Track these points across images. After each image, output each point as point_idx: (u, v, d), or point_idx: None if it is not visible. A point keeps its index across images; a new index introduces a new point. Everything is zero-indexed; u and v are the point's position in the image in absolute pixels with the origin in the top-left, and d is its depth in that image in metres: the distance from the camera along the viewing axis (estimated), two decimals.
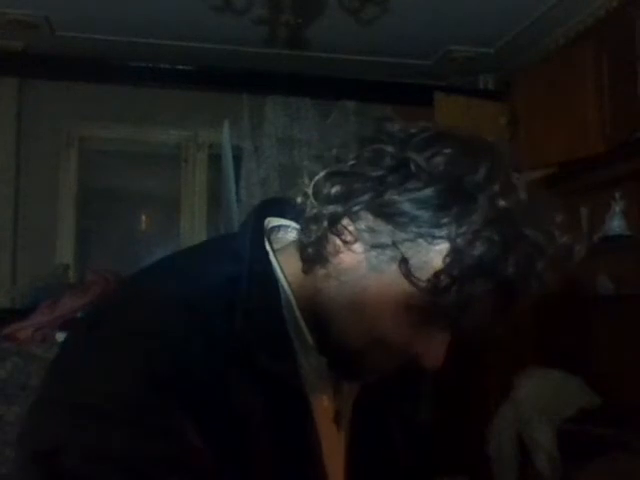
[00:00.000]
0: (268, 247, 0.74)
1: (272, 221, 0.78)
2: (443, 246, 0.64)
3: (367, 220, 0.65)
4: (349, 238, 0.67)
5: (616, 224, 2.74)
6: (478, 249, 0.62)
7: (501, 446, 2.81)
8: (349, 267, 0.67)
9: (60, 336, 2.41)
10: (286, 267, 0.73)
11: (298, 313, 0.72)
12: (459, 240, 0.63)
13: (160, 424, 0.61)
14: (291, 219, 0.78)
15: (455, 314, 0.66)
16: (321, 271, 0.70)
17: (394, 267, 0.65)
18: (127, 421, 0.61)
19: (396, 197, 0.64)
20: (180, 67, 3.65)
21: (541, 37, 3.44)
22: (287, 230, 0.78)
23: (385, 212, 0.64)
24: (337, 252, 0.68)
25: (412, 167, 0.64)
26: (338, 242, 0.67)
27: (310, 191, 0.68)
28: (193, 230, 3.91)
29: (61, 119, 3.74)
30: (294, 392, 0.70)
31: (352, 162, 0.67)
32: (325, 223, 0.67)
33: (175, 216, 4.00)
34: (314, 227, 0.68)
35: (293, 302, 0.72)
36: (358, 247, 0.67)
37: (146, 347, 0.64)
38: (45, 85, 3.72)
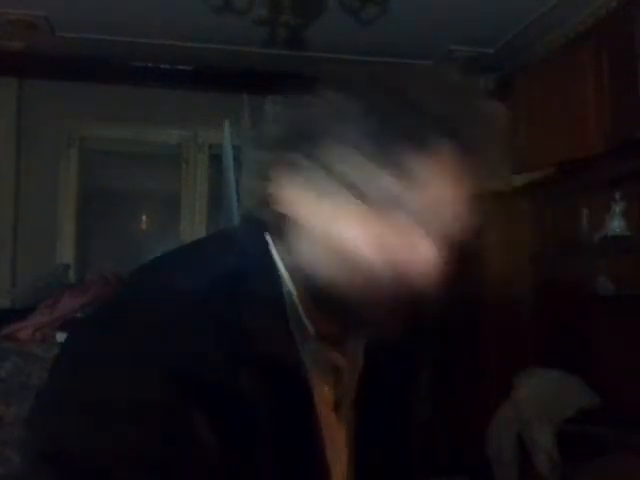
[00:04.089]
0: (269, 239, 0.75)
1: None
2: (391, 167, 0.68)
3: (304, 178, 0.70)
4: (301, 198, 0.71)
5: (616, 224, 2.74)
6: (416, 155, 0.67)
7: (501, 446, 2.81)
8: (312, 224, 0.71)
9: (60, 336, 2.41)
10: (285, 256, 0.75)
11: (297, 301, 0.73)
12: (400, 157, 0.67)
13: (171, 420, 0.62)
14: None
15: (410, 203, 0.68)
16: (297, 240, 0.72)
17: (347, 198, 0.69)
18: (139, 418, 0.61)
19: (331, 139, 0.69)
20: (180, 67, 3.66)
21: (541, 37, 3.44)
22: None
23: (326, 157, 0.69)
24: (297, 216, 0.71)
25: (333, 109, 0.70)
26: (294, 208, 0.71)
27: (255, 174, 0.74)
28: (193, 230, 3.92)
29: (61, 119, 3.75)
30: (297, 381, 0.71)
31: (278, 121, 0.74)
32: (272, 197, 0.72)
33: (175, 216, 4.00)
34: (268, 205, 0.73)
35: (293, 292, 0.73)
36: (311, 200, 0.71)
37: (152, 343, 0.64)
38: (45, 85, 3.72)
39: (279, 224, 0.73)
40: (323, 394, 0.76)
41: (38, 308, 2.54)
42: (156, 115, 3.84)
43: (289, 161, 0.71)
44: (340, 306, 0.71)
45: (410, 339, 0.85)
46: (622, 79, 2.60)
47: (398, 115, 0.68)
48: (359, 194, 0.68)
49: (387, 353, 0.82)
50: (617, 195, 2.76)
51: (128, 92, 3.78)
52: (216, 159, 3.87)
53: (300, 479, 0.71)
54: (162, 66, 3.68)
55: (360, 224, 0.69)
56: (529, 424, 2.69)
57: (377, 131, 0.68)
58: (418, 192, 0.68)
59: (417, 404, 0.93)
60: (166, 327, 0.65)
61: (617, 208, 2.75)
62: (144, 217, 4.30)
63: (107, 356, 0.64)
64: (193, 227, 3.93)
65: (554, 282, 3.20)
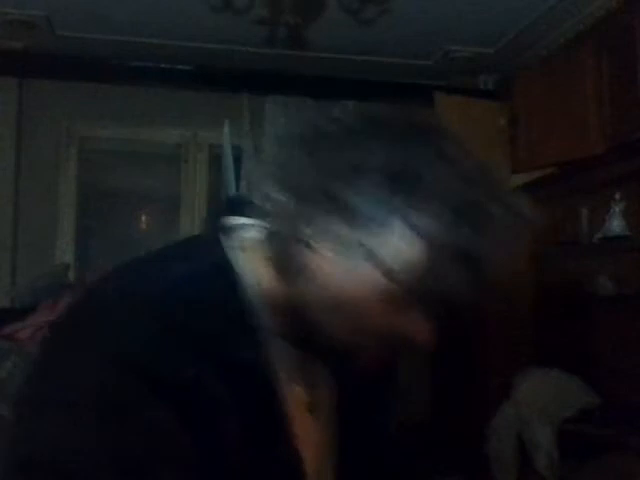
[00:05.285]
0: (226, 243, 0.76)
1: (234, 219, 0.79)
2: (404, 231, 0.65)
3: (327, 225, 0.67)
4: (316, 246, 0.68)
5: (616, 224, 2.74)
6: (433, 225, 0.64)
7: (501, 446, 2.81)
8: (323, 271, 0.68)
9: None
10: (250, 262, 0.75)
11: (263, 303, 0.73)
12: (415, 221, 0.64)
13: (142, 419, 0.62)
14: (253, 216, 0.78)
15: (432, 295, 0.67)
16: (298, 277, 0.70)
17: (366, 263, 0.66)
18: (109, 420, 0.62)
19: (348, 197, 0.65)
20: (180, 67, 3.66)
21: (541, 37, 3.44)
22: (248, 228, 0.79)
23: (342, 214, 0.66)
24: (309, 259, 0.69)
25: (354, 164, 0.65)
26: (307, 252, 0.68)
27: (269, 208, 0.70)
28: (193, 230, 3.91)
29: (61, 119, 3.74)
30: (260, 380, 0.71)
31: (298, 166, 0.68)
32: (289, 238, 0.69)
33: (175, 216, 4.00)
34: (278, 243, 0.70)
35: (256, 292, 0.73)
36: (327, 252, 0.67)
37: (117, 349, 0.65)
38: (45, 85, 3.72)
39: (284, 251, 0.70)
40: (294, 394, 0.76)
41: (38, 308, 2.54)
42: (156, 115, 3.84)
43: (311, 212, 0.67)
44: (323, 346, 0.71)
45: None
46: (622, 79, 2.60)
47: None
48: (379, 263, 0.66)
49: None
50: (617, 195, 2.76)
51: (128, 92, 3.78)
52: (216, 159, 3.88)
53: (269, 471, 0.71)
54: (162, 66, 3.68)
55: (371, 289, 0.67)
56: (529, 424, 2.69)
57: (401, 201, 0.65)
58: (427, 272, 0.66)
59: (395, 408, 0.94)
60: (123, 333, 0.66)
61: (617, 208, 2.75)
62: (144, 217, 4.30)
63: (70, 362, 0.65)
64: (193, 227, 3.93)
65: (554, 282, 3.20)
